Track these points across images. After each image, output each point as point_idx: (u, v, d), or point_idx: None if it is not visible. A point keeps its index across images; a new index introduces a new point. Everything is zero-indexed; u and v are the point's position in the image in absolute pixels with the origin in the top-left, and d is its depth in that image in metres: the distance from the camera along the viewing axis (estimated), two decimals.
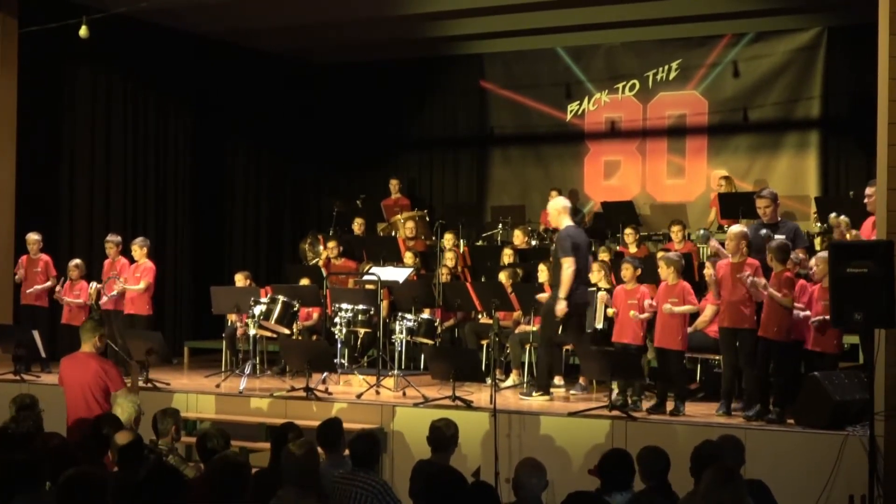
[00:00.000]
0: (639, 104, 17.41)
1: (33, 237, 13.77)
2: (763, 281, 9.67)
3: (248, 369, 12.18)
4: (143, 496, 5.34)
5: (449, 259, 14.09)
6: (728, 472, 5.66)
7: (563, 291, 10.80)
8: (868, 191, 9.94)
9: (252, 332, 12.43)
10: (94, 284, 13.53)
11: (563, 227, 11.08)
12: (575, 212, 16.90)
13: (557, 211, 11.23)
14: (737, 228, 10.22)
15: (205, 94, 17.22)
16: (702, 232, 12.07)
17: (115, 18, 13.82)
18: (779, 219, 10.88)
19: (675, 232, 13.87)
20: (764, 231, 10.28)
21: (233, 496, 5.81)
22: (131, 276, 13.40)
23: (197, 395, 11.69)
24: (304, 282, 13.65)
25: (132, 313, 13.32)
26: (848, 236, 10.27)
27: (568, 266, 10.79)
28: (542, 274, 12.48)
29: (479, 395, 11.13)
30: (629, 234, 14.11)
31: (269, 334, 12.94)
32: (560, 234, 11.12)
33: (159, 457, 7.47)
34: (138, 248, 13.55)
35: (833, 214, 10.96)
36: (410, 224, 15.61)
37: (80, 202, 15.51)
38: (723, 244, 10.49)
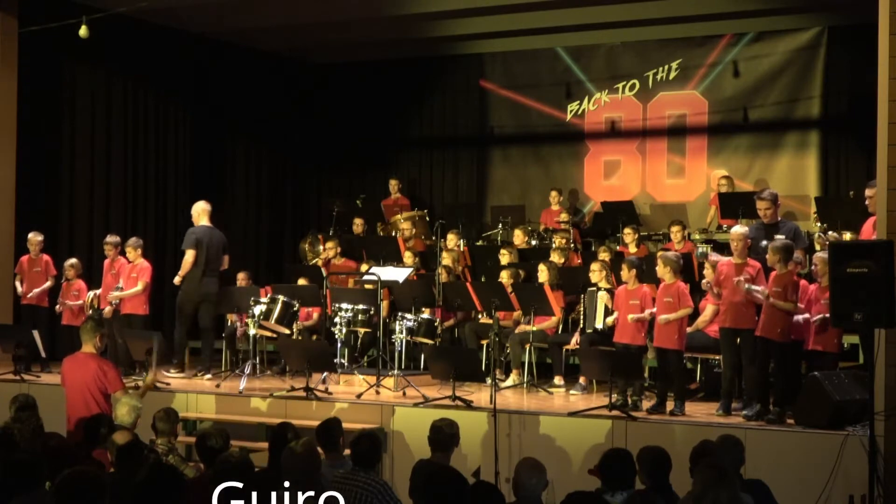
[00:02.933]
0: (639, 104, 17.40)
1: (35, 238, 13.77)
2: (761, 288, 9.65)
3: (247, 369, 12.18)
4: (142, 496, 5.33)
5: (447, 258, 14.04)
6: (719, 471, 5.67)
7: (179, 277, 13.06)
8: (868, 192, 9.94)
9: (252, 331, 12.44)
10: (91, 294, 13.52)
11: (197, 225, 13.20)
12: (575, 211, 17.07)
13: (198, 213, 13.29)
14: (741, 229, 10.21)
15: (204, 94, 17.21)
16: (700, 251, 12.04)
17: (115, 18, 13.81)
18: (779, 219, 10.89)
19: (675, 232, 13.84)
20: (764, 243, 10.24)
21: (238, 496, 5.82)
22: (128, 277, 13.38)
23: (197, 394, 11.70)
24: (304, 281, 13.65)
25: (129, 313, 13.28)
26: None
27: (188, 256, 12.97)
28: (543, 274, 12.48)
29: (479, 394, 11.14)
30: (629, 234, 14.10)
31: (269, 334, 12.94)
32: (190, 230, 13.21)
33: (158, 457, 7.47)
34: (132, 249, 13.49)
35: (830, 233, 11.03)
36: (407, 224, 15.59)
37: (79, 202, 15.50)
38: (724, 248, 10.49)
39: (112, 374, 9.10)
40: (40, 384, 12.04)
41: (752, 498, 6.43)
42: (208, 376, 12.22)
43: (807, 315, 9.81)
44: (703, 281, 10.50)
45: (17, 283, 13.82)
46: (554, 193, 16.61)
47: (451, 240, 14.62)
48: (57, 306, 13.56)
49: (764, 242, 10.25)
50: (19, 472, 5.82)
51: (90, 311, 13.37)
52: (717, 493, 5.41)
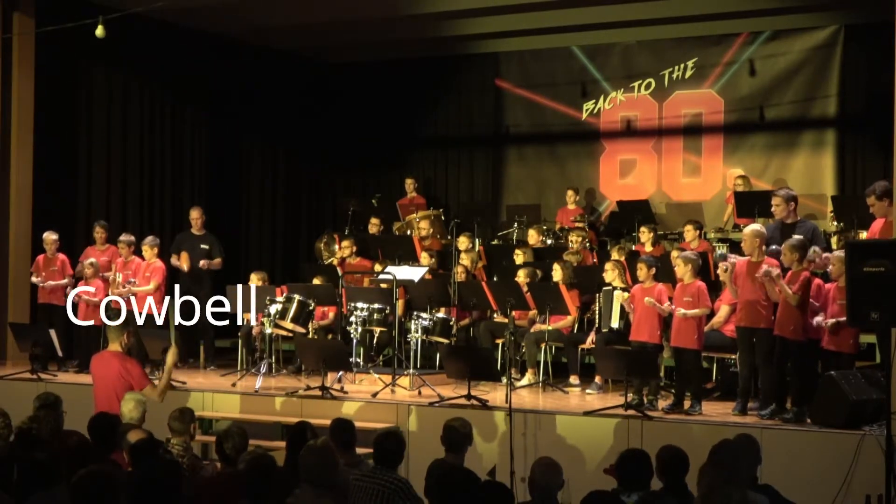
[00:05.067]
0: (654, 103, 17.38)
1: (50, 237, 13.81)
2: (777, 271, 9.61)
3: (263, 368, 12.20)
4: (141, 490, 5.34)
5: (466, 258, 14.02)
6: (725, 471, 5.67)
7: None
8: (869, 200, 9.90)
9: (268, 330, 12.46)
10: (111, 275, 13.54)
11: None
12: (591, 210, 17.07)
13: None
14: (752, 228, 10.17)
15: (220, 94, 17.25)
16: (718, 252, 11.93)
17: (132, 18, 13.85)
18: (798, 218, 10.84)
19: (688, 231, 13.79)
20: (773, 247, 10.21)
21: (263, 494, 5.85)
22: (141, 276, 13.44)
23: (213, 393, 11.72)
24: (319, 281, 13.65)
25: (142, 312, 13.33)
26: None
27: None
28: (557, 273, 12.47)
29: (495, 394, 11.14)
30: (645, 233, 14.08)
31: (284, 333, 12.96)
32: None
33: (173, 457, 7.47)
34: (148, 248, 13.58)
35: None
36: (425, 223, 15.61)
37: (96, 202, 15.55)
38: (739, 244, 10.46)
39: (136, 371, 9.12)
40: (57, 383, 12.07)
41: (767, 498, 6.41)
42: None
43: (819, 318, 9.73)
44: (721, 268, 10.40)
45: (34, 278, 13.85)
46: (570, 192, 16.59)
47: (464, 242, 14.58)
48: (72, 297, 13.56)
49: (773, 246, 10.21)
50: (37, 471, 5.85)
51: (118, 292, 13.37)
52: (726, 493, 5.40)
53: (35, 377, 12.49)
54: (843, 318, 9.17)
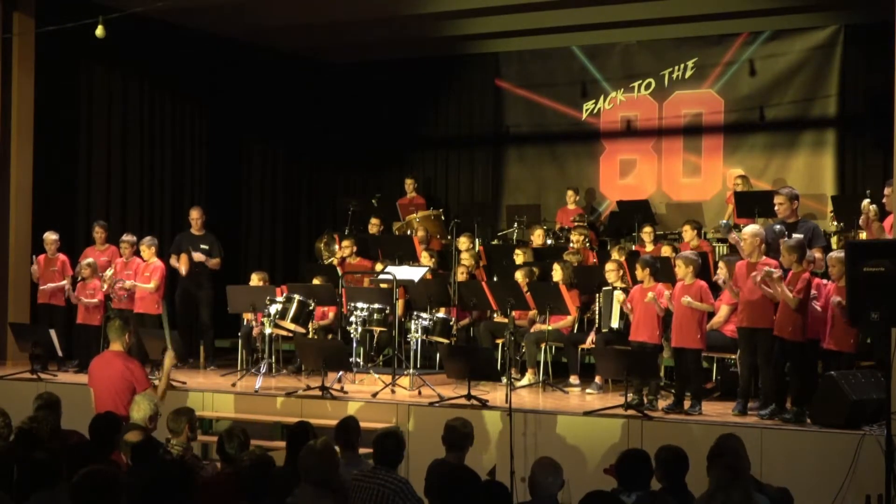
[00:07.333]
0: (654, 103, 17.37)
1: (51, 237, 13.82)
2: (778, 272, 9.59)
3: (263, 368, 12.20)
4: (152, 492, 5.34)
5: (466, 259, 14.02)
6: (733, 471, 5.67)
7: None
8: (887, 191, 9.94)
9: (268, 330, 12.46)
10: (108, 273, 13.50)
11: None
12: (591, 210, 17.07)
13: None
14: (752, 228, 10.17)
15: (220, 94, 17.25)
16: (723, 223, 11.88)
17: (132, 18, 13.84)
18: (798, 218, 10.84)
19: (687, 231, 13.78)
20: (778, 227, 10.22)
21: (261, 493, 5.86)
22: (141, 276, 13.45)
23: (213, 393, 11.72)
24: (319, 281, 13.65)
25: (142, 312, 13.35)
26: (874, 228, 10.23)
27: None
28: (557, 273, 12.47)
29: (495, 394, 11.14)
30: (646, 233, 14.08)
31: (284, 333, 12.96)
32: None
33: (173, 457, 7.47)
34: (146, 248, 13.58)
35: (867, 201, 10.88)
36: (421, 231, 15.56)
37: (96, 202, 15.56)
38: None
39: (139, 372, 9.12)
40: (57, 383, 12.08)
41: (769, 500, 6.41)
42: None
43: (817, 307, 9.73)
44: (720, 279, 10.45)
45: (33, 268, 13.81)
46: (570, 192, 16.61)
47: (464, 242, 14.58)
48: (72, 298, 13.56)
49: (777, 227, 10.17)
50: (37, 471, 5.85)
51: (105, 286, 13.34)
52: (728, 494, 5.40)
53: (35, 377, 12.49)
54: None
